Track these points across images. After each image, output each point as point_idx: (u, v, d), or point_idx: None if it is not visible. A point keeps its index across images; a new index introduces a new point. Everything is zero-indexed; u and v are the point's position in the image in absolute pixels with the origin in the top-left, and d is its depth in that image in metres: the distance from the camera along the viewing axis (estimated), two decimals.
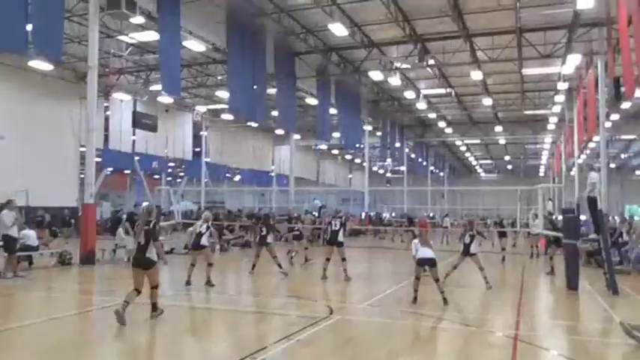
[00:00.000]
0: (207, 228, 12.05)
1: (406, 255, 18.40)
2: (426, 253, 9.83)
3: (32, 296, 10.88)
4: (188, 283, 11.50)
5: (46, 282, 12.80)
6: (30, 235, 14.37)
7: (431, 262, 9.79)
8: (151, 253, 8.01)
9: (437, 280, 9.80)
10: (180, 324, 8.22)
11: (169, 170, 45.62)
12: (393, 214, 46.53)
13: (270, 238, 13.87)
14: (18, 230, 13.23)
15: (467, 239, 12.07)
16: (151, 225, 8.10)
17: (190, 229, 12.60)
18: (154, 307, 8.08)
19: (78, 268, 14.96)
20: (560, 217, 26.72)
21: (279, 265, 13.59)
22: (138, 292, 7.85)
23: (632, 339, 7.01)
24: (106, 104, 28.97)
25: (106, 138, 29.16)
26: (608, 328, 8.46)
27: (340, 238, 12.85)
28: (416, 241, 10.25)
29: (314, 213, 27.21)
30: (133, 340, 6.95)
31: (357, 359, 6.23)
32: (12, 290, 11.07)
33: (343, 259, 12.80)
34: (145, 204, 21.70)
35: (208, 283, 11.48)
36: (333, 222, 13.04)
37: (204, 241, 11.80)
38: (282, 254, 15.62)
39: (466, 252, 12.01)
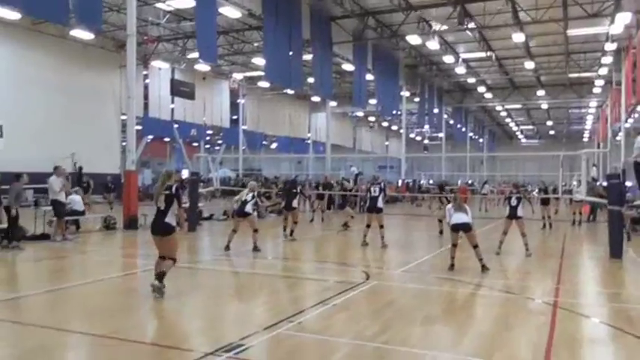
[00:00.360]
0: (253, 197, 12.23)
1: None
2: (460, 217, 9.57)
3: (80, 259, 11.33)
4: (227, 248, 11.73)
5: (92, 245, 13.29)
6: (76, 200, 14.87)
7: (465, 227, 9.57)
8: (171, 219, 7.40)
9: (475, 247, 9.55)
10: (218, 288, 8.42)
11: (207, 138, 46.15)
12: (431, 182, 46.09)
13: (294, 203, 14.37)
14: (65, 196, 13.70)
15: (514, 201, 11.86)
16: (173, 189, 7.46)
17: (237, 197, 12.78)
18: (160, 277, 7.24)
19: (122, 233, 15.46)
20: (604, 184, 26.05)
21: (292, 232, 13.98)
22: (163, 258, 7.44)
23: None
24: (145, 72, 29.43)
25: (146, 106, 29.71)
26: None
27: (379, 204, 12.82)
28: (449, 206, 9.96)
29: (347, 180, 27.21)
30: (172, 303, 7.17)
31: (393, 324, 6.27)
32: (61, 253, 11.55)
33: (381, 227, 12.79)
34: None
35: (255, 249, 11.68)
36: (372, 188, 13.01)
37: (248, 208, 11.95)
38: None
39: (513, 215, 11.80)
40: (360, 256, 12.06)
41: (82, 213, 15.32)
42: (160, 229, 7.42)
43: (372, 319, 6.51)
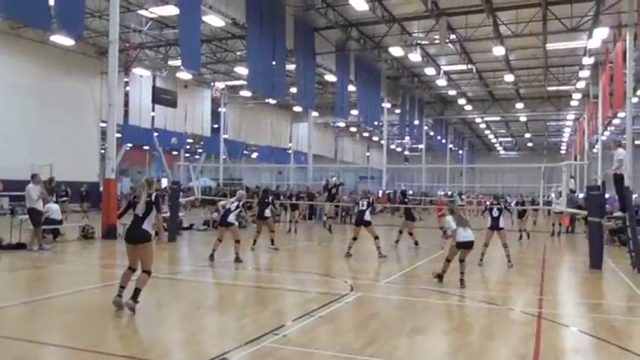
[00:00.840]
0: (238, 207, 12.11)
1: (422, 233, 18.38)
2: (468, 235, 9.27)
3: (58, 269, 11.06)
4: (212, 257, 11.58)
5: (70, 255, 13.01)
6: (54, 209, 14.57)
7: (472, 246, 9.45)
8: (148, 227, 7.14)
9: (462, 261, 9.43)
10: (199, 300, 8.27)
11: (188, 146, 45.86)
12: (411, 192, 46.30)
13: (267, 213, 14.24)
14: (43, 204, 13.41)
15: (495, 212, 11.95)
16: (152, 197, 7.23)
17: (222, 202, 12.64)
18: (136, 294, 6.90)
19: (100, 242, 15.17)
20: (581, 195, 26.41)
21: (272, 241, 13.89)
22: (133, 270, 7.18)
23: None
24: (125, 79, 29.13)
25: (126, 113, 29.39)
26: (634, 306, 8.35)
27: (367, 217, 12.91)
28: (450, 218, 9.46)
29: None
30: (152, 315, 7.02)
31: (379, 336, 6.21)
32: (38, 263, 11.26)
33: (376, 238, 12.89)
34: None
35: (237, 259, 11.54)
36: (360, 202, 13.13)
37: (231, 218, 11.85)
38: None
39: (495, 226, 11.90)
40: (343, 267, 12.00)
41: (60, 222, 15.02)
42: (137, 236, 7.12)
43: (358, 331, 6.45)
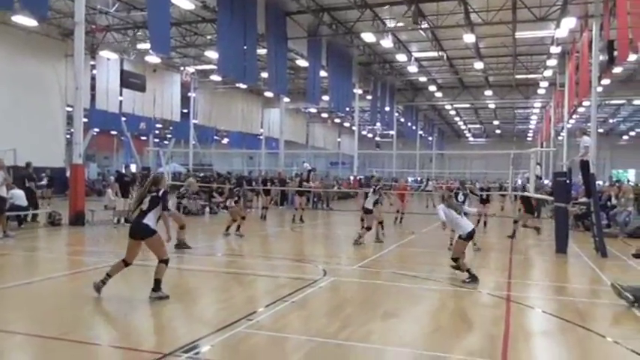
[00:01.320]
0: (181, 193, 11.83)
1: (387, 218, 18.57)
2: (470, 223, 8.95)
3: (24, 257, 10.80)
4: (178, 245, 11.31)
5: (36, 242, 12.72)
6: (19, 195, 14.18)
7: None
8: (150, 221, 7.04)
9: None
10: (170, 287, 8.14)
11: (157, 132, 45.11)
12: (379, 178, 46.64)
13: (229, 202, 14.29)
14: (7, 190, 13.04)
15: (460, 198, 12.12)
16: (160, 192, 7.18)
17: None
18: (157, 284, 7.01)
19: (67, 229, 14.86)
20: (546, 181, 27.04)
21: (238, 227, 13.78)
22: (126, 264, 7.10)
23: (622, 299, 7.15)
24: (92, 63, 28.38)
25: (93, 98, 28.67)
26: (598, 289, 8.61)
27: (369, 205, 12.97)
28: (442, 206, 8.92)
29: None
30: (124, 302, 6.93)
31: (353, 320, 6.27)
32: (3, 250, 10.96)
33: (368, 228, 13.03)
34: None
35: (181, 245, 11.17)
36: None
37: (169, 204, 11.55)
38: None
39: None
40: (315, 252, 12.05)
41: (25, 208, 14.64)
42: (138, 231, 7.04)
43: (332, 315, 6.50)
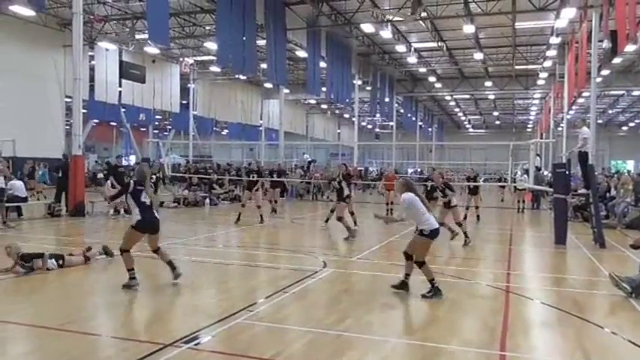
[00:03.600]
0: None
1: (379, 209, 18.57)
2: (435, 220, 7.35)
3: (24, 247, 10.80)
4: None
5: (36, 233, 12.72)
6: (18, 186, 14.19)
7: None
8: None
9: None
10: (170, 277, 8.18)
11: (156, 123, 45.05)
12: (381, 169, 46.72)
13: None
14: (6, 181, 13.06)
15: (437, 194, 12.16)
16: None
17: None
18: (172, 264, 7.49)
19: (67, 220, 14.88)
20: (546, 173, 27.07)
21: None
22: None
23: (620, 290, 7.19)
24: (90, 53, 28.27)
25: (92, 89, 28.59)
26: (596, 280, 8.64)
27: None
28: (408, 196, 7.12)
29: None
30: (125, 293, 6.95)
31: (352, 311, 6.30)
32: (3, 241, 10.97)
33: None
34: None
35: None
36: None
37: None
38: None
39: (447, 204, 11.91)
40: (315, 243, 12.08)
41: (25, 199, 14.66)
42: (158, 225, 7.45)
43: (331, 307, 6.53)
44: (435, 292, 6.96)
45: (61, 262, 8.18)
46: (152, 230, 7.30)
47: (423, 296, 6.93)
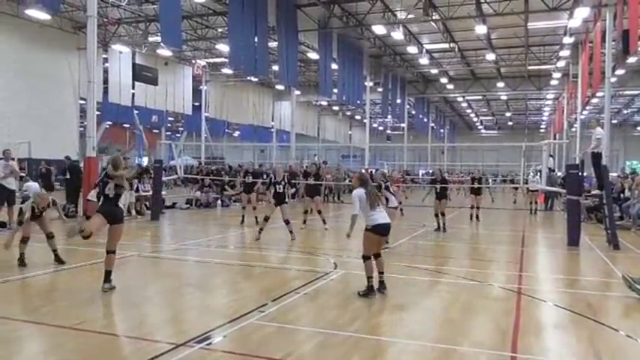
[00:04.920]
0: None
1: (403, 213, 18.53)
2: (386, 217, 7.31)
3: (39, 247, 10.93)
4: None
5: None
6: (34, 188, 14.34)
7: (389, 230, 7.52)
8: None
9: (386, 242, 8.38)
10: (183, 278, 8.28)
11: (169, 124, 45.36)
12: (393, 170, 46.60)
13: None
14: (20, 183, 13.21)
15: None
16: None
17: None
18: (108, 276, 7.07)
19: (82, 222, 14.99)
20: (559, 174, 26.86)
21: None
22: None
23: (633, 292, 7.12)
24: (104, 56, 28.55)
25: (105, 91, 28.88)
26: (609, 282, 8.57)
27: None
28: (356, 192, 7.20)
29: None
30: (138, 293, 7.02)
31: (362, 312, 6.32)
32: (17, 241, 11.10)
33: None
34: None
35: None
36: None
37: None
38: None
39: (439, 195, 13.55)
40: (326, 245, 12.09)
41: None
42: (118, 216, 7.29)
43: (342, 308, 6.54)
44: (368, 291, 6.96)
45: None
46: (109, 218, 7.10)
47: (359, 294, 6.94)
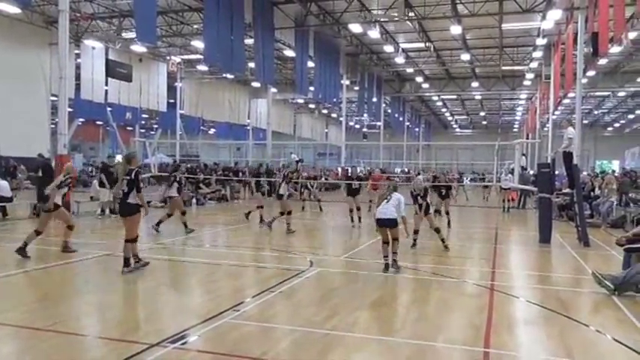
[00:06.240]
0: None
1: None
2: (386, 211, 8.56)
3: (9, 247, 10.70)
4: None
5: (21, 233, 12.57)
6: (3, 186, 14.04)
7: (392, 224, 8.62)
8: (133, 200, 8.10)
9: (395, 239, 8.70)
10: (157, 277, 8.19)
11: (143, 122, 44.75)
12: (368, 168, 46.83)
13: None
14: None
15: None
16: (133, 175, 8.12)
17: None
18: (127, 262, 8.05)
19: (53, 220, 14.70)
20: (531, 172, 27.34)
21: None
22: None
23: (602, 288, 7.29)
24: (76, 51, 28.01)
25: (78, 87, 28.34)
26: (580, 278, 8.76)
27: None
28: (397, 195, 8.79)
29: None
30: (112, 293, 6.93)
31: (339, 310, 6.34)
32: None
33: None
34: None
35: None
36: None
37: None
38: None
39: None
40: (302, 243, 12.09)
41: (10, 199, 14.51)
42: (126, 210, 8.14)
43: (319, 305, 6.55)
44: (386, 268, 8.53)
45: None
46: (120, 212, 8.44)
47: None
